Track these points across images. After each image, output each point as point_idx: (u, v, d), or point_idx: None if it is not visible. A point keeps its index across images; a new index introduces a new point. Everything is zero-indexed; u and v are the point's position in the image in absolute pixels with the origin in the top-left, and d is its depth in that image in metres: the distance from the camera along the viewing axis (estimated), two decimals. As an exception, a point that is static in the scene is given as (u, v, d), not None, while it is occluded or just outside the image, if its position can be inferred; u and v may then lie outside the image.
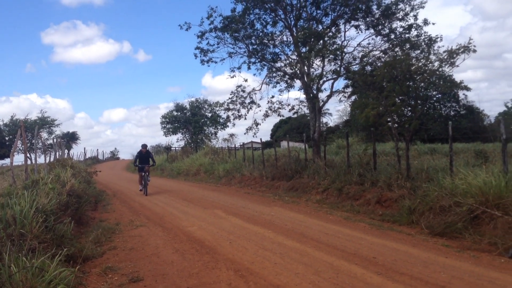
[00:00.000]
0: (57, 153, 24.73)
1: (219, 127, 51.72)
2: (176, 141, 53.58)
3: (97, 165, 44.55)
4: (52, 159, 21.99)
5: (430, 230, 9.00)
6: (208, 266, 7.23)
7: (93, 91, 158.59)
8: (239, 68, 22.80)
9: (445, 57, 13.07)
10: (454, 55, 12.68)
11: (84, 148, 65.29)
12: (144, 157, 19.76)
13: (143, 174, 19.14)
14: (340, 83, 46.19)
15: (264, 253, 7.92)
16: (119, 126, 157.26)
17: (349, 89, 20.64)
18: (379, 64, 17.69)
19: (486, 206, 8.66)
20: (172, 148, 47.34)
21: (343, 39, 20.54)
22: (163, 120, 53.03)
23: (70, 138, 60.88)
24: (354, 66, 19.66)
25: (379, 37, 20.37)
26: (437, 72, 14.55)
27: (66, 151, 40.55)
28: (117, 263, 7.57)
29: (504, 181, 9.00)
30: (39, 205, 8.35)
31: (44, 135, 50.80)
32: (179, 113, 52.30)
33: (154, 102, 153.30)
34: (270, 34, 22.02)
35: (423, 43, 18.51)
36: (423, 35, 19.04)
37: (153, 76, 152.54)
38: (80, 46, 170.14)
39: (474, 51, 12.37)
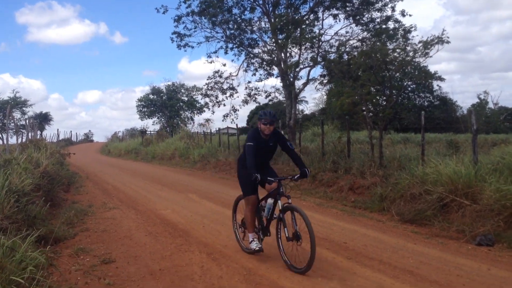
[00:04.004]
0: (30, 134, 24.25)
1: (195, 112, 51.49)
2: (152, 124, 53.12)
3: (71, 147, 43.88)
4: (24, 140, 21.55)
5: (400, 217, 9.18)
6: (181, 249, 7.26)
7: (68, 72, 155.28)
8: (215, 52, 22.62)
9: (420, 47, 13.26)
10: (428, 46, 12.87)
11: (58, 129, 64.30)
12: (266, 146, 6.57)
13: (271, 199, 6.54)
14: (317, 71, 46.46)
15: (237, 237, 7.96)
16: (93, 108, 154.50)
17: (326, 78, 20.76)
18: (355, 54, 17.82)
19: (455, 195, 8.86)
20: (147, 132, 46.93)
21: (321, 27, 20.58)
22: (139, 103, 52.51)
23: (43, 119, 59.64)
24: (331, 55, 19.74)
25: (357, 26, 20.44)
26: (413, 63, 14.74)
27: (38, 132, 39.84)
28: (89, 244, 7.53)
29: (474, 171, 9.22)
30: (12, 185, 8.22)
31: (17, 115, 49.67)
32: (155, 97, 51.84)
33: (130, 85, 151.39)
34: (248, 20, 21.90)
35: (399, 34, 18.66)
36: (399, 26, 19.18)
37: (129, 59, 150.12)
38: (55, 26, 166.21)
39: (448, 42, 12.58)
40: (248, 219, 6.65)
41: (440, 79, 39.14)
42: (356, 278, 5.68)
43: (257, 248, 6.45)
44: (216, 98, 23.42)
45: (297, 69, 20.62)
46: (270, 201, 6.47)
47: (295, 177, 6.35)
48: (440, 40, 12.78)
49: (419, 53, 13.42)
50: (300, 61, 20.46)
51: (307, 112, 46.71)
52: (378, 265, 6.25)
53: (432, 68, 57.75)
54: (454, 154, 11.74)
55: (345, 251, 7.02)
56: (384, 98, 15.37)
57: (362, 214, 10.10)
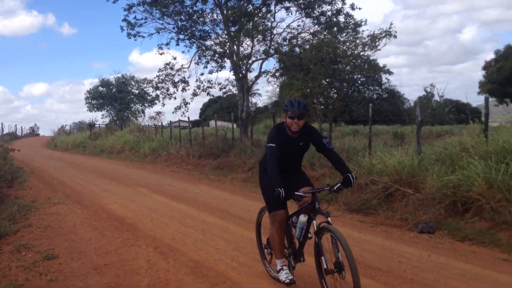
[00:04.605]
0: (-30, 127, 23.17)
1: (146, 105, 50.64)
2: (101, 117, 51.79)
3: (16, 141, 42.35)
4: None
5: (347, 207, 9.35)
6: (127, 243, 7.14)
7: (14, 64, 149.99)
8: (167, 44, 22.30)
9: (368, 41, 13.54)
10: (377, 40, 13.16)
11: (2, 123, 61.89)
12: (294, 147, 5.02)
13: (304, 216, 4.91)
14: (270, 64, 46.67)
15: (186, 230, 7.93)
16: (40, 101, 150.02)
17: (278, 70, 20.85)
18: (307, 47, 17.97)
19: (400, 184, 9.12)
20: (96, 125, 45.79)
21: (273, 20, 20.62)
22: (88, 95, 51.15)
23: (-14, 113, 57.20)
24: (283, 48, 19.83)
25: (308, 19, 20.60)
26: (363, 56, 15.03)
27: (-20, 126, 38.18)
28: (32, 240, 7.29)
29: (417, 161, 9.52)
30: None
31: (-44, 108, 47.36)
32: (104, 89, 50.61)
33: (78, 78, 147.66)
34: (200, 12, 21.68)
35: (349, 27, 18.94)
36: (350, 19, 19.45)
37: (78, 51, 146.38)
38: (1, 18, 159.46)
39: (395, 36, 12.90)
40: (275, 241, 5.06)
41: (389, 72, 40.03)
42: (302, 268, 5.66)
43: (287, 280, 4.87)
44: (167, 90, 23.15)
45: (250, 62, 20.65)
46: (302, 218, 4.82)
47: (335, 187, 4.67)
48: (388, 33, 13.10)
49: (368, 47, 13.71)
50: (253, 54, 20.49)
51: (260, 105, 46.89)
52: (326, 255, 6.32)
53: (381, 62, 59.02)
54: (399, 145, 12.07)
55: (293, 241, 7.07)
56: (335, 91, 15.60)
57: (311, 204, 10.20)
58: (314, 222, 4.64)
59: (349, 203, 9.43)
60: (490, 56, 28.31)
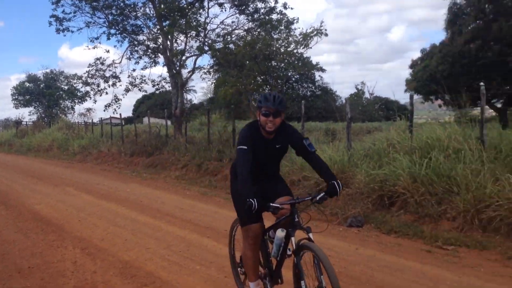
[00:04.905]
0: None
1: (76, 101, 48.99)
2: (28, 115, 49.53)
3: None
4: None
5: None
6: (53, 245, 6.85)
7: None
8: (97, 38, 21.58)
9: (301, 39, 13.76)
10: (308, 38, 13.40)
11: None
12: (270, 150, 4.20)
13: (282, 231, 4.07)
14: (204, 60, 46.31)
15: (115, 229, 7.73)
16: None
17: (213, 67, 20.75)
18: (241, 43, 18.02)
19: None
20: (22, 123, 43.72)
21: (207, 15, 20.45)
22: (14, 92, 48.82)
23: None
24: (217, 44, 19.75)
25: (242, 16, 20.59)
26: (296, 54, 15.26)
27: None
28: None
29: (347, 156, 9.78)
30: None
31: None
32: (32, 85, 48.46)
33: (4, 73, 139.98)
34: (131, 6, 21.14)
35: (282, 25, 19.13)
36: (283, 17, 19.65)
37: (3, 45, 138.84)
38: None
39: (326, 34, 13.21)
40: (248, 260, 4.25)
41: (322, 69, 41.05)
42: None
43: None
44: (98, 86, 22.48)
45: (183, 58, 20.41)
46: (280, 233, 4.02)
47: (318, 197, 3.87)
48: (319, 32, 13.37)
49: (300, 44, 13.93)
50: (186, 50, 20.27)
51: (195, 101, 46.55)
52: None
53: (314, 59, 60.19)
54: (331, 141, 12.34)
55: (225, 238, 6.94)
56: (269, 87, 15.74)
57: (245, 201, 10.23)
58: (292, 238, 3.81)
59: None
60: (417, 55, 29.57)
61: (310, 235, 3.73)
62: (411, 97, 10.35)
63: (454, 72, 23.02)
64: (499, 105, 26.95)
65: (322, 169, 4.12)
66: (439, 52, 24.44)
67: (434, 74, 23.72)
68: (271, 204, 3.72)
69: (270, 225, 4.28)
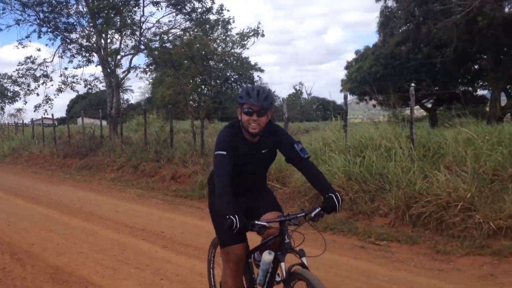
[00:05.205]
0: None
1: (6, 101, 46.82)
2: (-48, 116, 46.89)
3: None
4: None
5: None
6: (-21, 251, 6.50)
7: None
8: (27, 37, 20.65)
9: (238, 39, 13.81)
10: (245, 38, 13.46)
11: None
12: (254, 156, 3.47)
13: (269, 254, 3.30)
14: (141, 59, 45.44)
15: (46, 234, 7.43)
16: None
17: (149, 66, 20.40)
18: (178, 43, 17.83)
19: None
20: None
21: (142, 14, 20.05)
22: None
23: None
24: (154, 43, 19.43)
25: (179, 15, 20.36)
26: (235, 54, 15.29)
27: None
28: None
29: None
30: None
31: None
32: (-45, 84, 45.82)
33: None
34: (64, 3, 20.37)
35: (219, 25, 19.08)
36: (220, 17, 19.61)
37: None
38: None
39: (263, 35, 13.31)
40: (229, 286, 3.49)
41: (260, 70, 41.26)
42: (170, 266, 5.67)
43: None
44: (28, 86, 21.54)
45: (118, 57, 19.92)
46: (267, 256, 3.28)
47: (313, 213, 3.24)
48: (256, 32, 13.46)
49: (237, 45, 13.98)
50: (121, 48, 19.80)
51: (132, 101, 45.67)
52: (193, 251, 6.31)
53: (253, 60, 60.70)
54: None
55: (162, 240, 6.97)
56: (209, 88, 15.70)
57: (183, 202, 10.15)
58: (282, 264, 3.13)
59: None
60: (352, 56, 30.43)
61: (304, 259, 3.08)
62: (345, 98, 10.62)
63: (386, 73, 23.87)
64: (429, 105, 28.24)
65: (317, 179, 3.44)
66: (372, 54, 25.27)
67: (368, 75, 24.49)
68: (257, 222, 3.06)
69: (256, 245, 3.58)
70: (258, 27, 13.06)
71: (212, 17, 19.38)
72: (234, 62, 23.87)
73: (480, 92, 27.62)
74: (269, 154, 3.52)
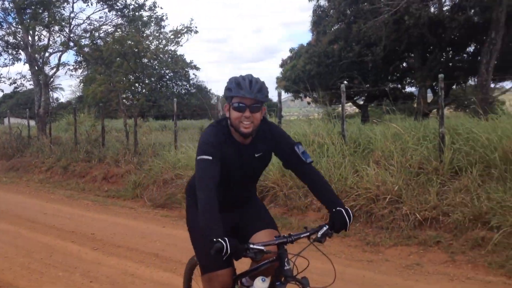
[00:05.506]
0: None
1: None
2: None
3: None
4: None
5: (152, 203, 9.28)
6: None
7: None
8: None
9: (171, 36, 13.63)
10: (179, 35, 13.31)
11: None
12: (246, 161, 2.85)
13: (262, 281, 2.62)
14: (71, 56, 43.78)
15: (-32, 239, 7.02)
16: None
17: (80, 64, 19.75)
18: (109, 40, 17.36)
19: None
20: None
21: (71, 10, 19.34)
22: None
23: None
24: (84, 40, 18.81)
25: (110, 12, 19.81)
26: (169, 51, 15.07)
27: None
28: None
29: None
30: None
31: None
32: None
33: None
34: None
35: (152, 22, 18.76)
36: (153, 14, 19.28)
37: None
38: None
39: (196, 32, 13.20)
40: None
41: (196, 68, 41.15)
42: (100, 268, 5.53)
43: None
44: None
45: (47, 54, 19.13)
46: (261, 285, 2.62)
47: (320, 232, 2.64)
48: (189, 29, 13.34)
49: (171, 42, 13.79)
50: (50, 45, 19.03)
51: (62, 100, 44.08)
52: (125, 252, 6.19)
53: (190, 58, 60.20)
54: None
55: (92, 242, 6.78)
56: (142, 85, 15.40)
57: (115, 203, 9.91)
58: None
59: (154, 199, 9.37)
60: (287, 54, 30.77)
61: None
62: (279, 95, 10.73)
63: (320, 72, 24.34)
64: (361, 102, 29.11)
65: (322, 190, 2.85)
66: (306, 53, 25.68)
67: (302, 73, 24.88)
68: (252, 245, 2.41)
69: (244, 269, 2.96)
70: (191, 24, 12.93)
71: (145, 14, 19.09)
72: (169, 60, 23.57)
73: (408, 89, 28.74)
74: (263, 159, 2.91)
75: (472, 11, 17.95)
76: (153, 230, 7.33)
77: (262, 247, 2.43)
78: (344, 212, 2.65)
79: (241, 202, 3.04)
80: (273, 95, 9.79)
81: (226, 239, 2.29)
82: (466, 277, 4.94)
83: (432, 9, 19.13)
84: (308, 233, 2.64)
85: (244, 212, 3.03)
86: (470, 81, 22.88)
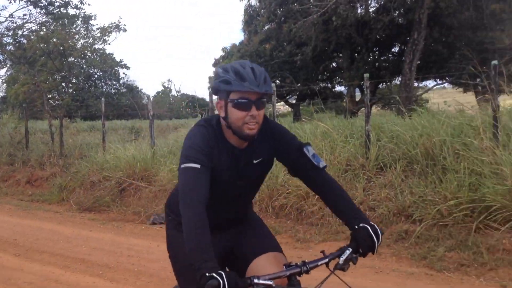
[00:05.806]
0: None
1: None
2: None
3: None
4: None
5: (79, 206, 9.01)
6: None
7: None
8: None
9: (98, 34, 13.23)
10: (107, 33, 12.94)
11: None
12: (241, 172, 2.26)
13: None
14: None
15: None
16: None
17: (1, 63, 18.81)
18: (34, 38, 16.61)
19: (133, 179, 9.18)
20: None
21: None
22: None
23: None
24: (6, 38, 17.88)
25: (35, 9, 18.96)
26: (98, 50, 14.59)
27: None
28: None
29: (151, 154, 9.72)
30: None
31: None
32: None
33: None
34: None
35: (79, 20, 18.15)
36: (80, 12, 18.64)
37: None
38: None
39: (125, 30, 12.89)
40: None
41: (126, 67, 40.24)
42: (22, 275, 5.30)
43: None
44: None
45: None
46: None
47: (342, 258, 2.03)
48: (117, 27, 13.00)
49: (98, 40, 13.39)
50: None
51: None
52: (49, 257, 5.98)
53: (120, 57, 58.73)
54: (135, 139, 12.13)
55: (15, 248, 6.48)
56: (70, 85, 14.85)
57: (39, 207, 9.53)
58: None
59: (81, 202, 9.10)
60: (220, 53, 30.71)
61: None
62: (211, 95, 10.69)
63: (252, 71, 24.42)
64: (293, 101, 29.56)
65: (340, 201, 2.25)
66: (238, 52, 25.75)
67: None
68: (257, 280, 1.81)
69: None
70: (119, 22, 12.61)
71: (71, 11, 18.40)
72: (97, 59, 22.88)
73: (338, 88, 29.47)
74: (263, 165, 2.35)
75: (396, 12, 18.68)
76: (79, 234, 7.10)
77: (270, 282, 1.83)
78: (370, 229, 2.08)
79: (236, 219, 2.46)
80: (204, 94, 9.76)
81: (222, 273, 1.73)
82: (391, 269, 5.12)
83: (359, 10, 19.71)
84: (327, 259, 2.05)
85: (240, 232, 2.46)
86: (395, 80, 23.75)
